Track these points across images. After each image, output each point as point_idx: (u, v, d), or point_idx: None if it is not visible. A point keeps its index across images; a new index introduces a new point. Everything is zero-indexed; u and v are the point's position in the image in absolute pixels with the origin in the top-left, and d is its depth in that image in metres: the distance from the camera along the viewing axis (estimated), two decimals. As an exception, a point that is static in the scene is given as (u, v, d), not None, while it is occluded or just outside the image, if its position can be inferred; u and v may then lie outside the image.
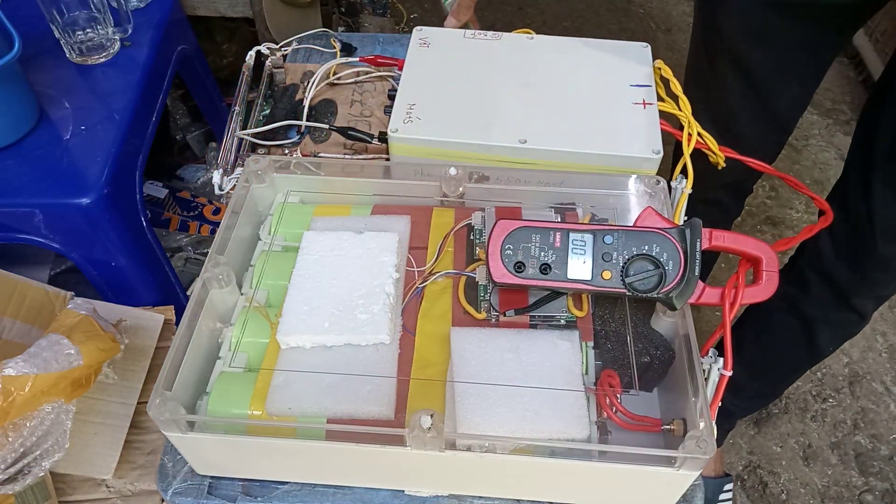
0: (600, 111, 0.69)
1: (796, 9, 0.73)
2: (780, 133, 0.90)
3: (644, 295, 0.52)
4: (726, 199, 1.01)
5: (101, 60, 0.92)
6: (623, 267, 0.52)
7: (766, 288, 0.52)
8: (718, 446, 1.21)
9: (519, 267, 0.53)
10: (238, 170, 0.71)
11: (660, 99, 0.71)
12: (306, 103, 0.77)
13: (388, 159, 0.72)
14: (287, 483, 0.55)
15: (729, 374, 0.51)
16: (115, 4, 0.92)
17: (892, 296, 0.89)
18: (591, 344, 0.54)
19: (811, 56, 0.79)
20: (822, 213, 0.70)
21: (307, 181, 0.65)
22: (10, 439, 0.59)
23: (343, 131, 0.73)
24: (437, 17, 0.81)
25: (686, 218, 0.63)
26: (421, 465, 0.51)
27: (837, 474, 1.24)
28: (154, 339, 0.75)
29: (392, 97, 0.79)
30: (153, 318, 0.76)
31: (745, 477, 1.24)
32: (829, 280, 0.85)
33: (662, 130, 0.68)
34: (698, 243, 0.51)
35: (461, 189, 0.63)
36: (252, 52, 0.82)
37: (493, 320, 0.56)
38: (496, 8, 2.05)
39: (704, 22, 0.86)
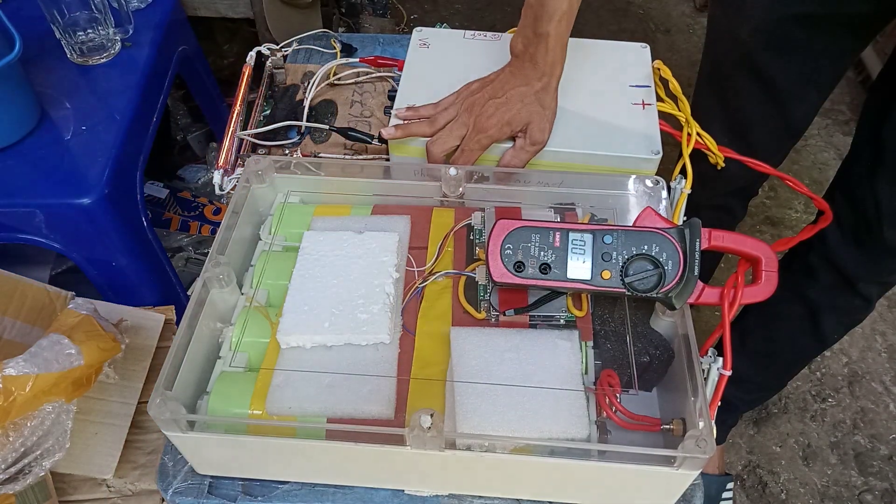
0: (600, 111, 0.69)
1: (819, 19, 0.73)
2: (791, 140, 0.90)
3: (643, 295, 0.52)
4: (733, 204, 1.01)
5: (102, 61, 0.92)
6: (622, 267, 0.52)
7: (765, 288, 0.53)
8: (721, 442, 1.21)
9: (519, 267, 0.53)
10: (238, 170, 0.72)
11: (659, 99, 0.72)
12: (306, 104, 0.77)
13: (388, 159, 0.72)
14: (287, 483, 0.56)
15: (728, 373, 0.51)
16: (115, 5, 0.92)
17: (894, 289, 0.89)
18: (590, 344, 0.55)
19: (831, 64, 0.79)
20: (821, 212, 0.71)
21: (307, 181, 0.65)
22: (10, 439, 0.59)
23: (343, 132, 0.73)
24: (437, 18, 0.81)
25: (686, 218, 0.63)
26: (421, 465, 0.51)
27: (837, 474, 1.24)
28: (155, 339, 0.75)
29: (392, 98, 0.79)
30: (154, 317, 0.76)
31: (745, 476, 1.24)
32: (835, 266, 0.85)
33: (662, 130, 0.68)
34: (697, 243, 0.52)
35: (461, 189, 0.63)
36: (252, 53, 0.82)
37: (493, 320, 0.56)
38: (496, 8, 2.05)
39: (720, 31, 0.85)
